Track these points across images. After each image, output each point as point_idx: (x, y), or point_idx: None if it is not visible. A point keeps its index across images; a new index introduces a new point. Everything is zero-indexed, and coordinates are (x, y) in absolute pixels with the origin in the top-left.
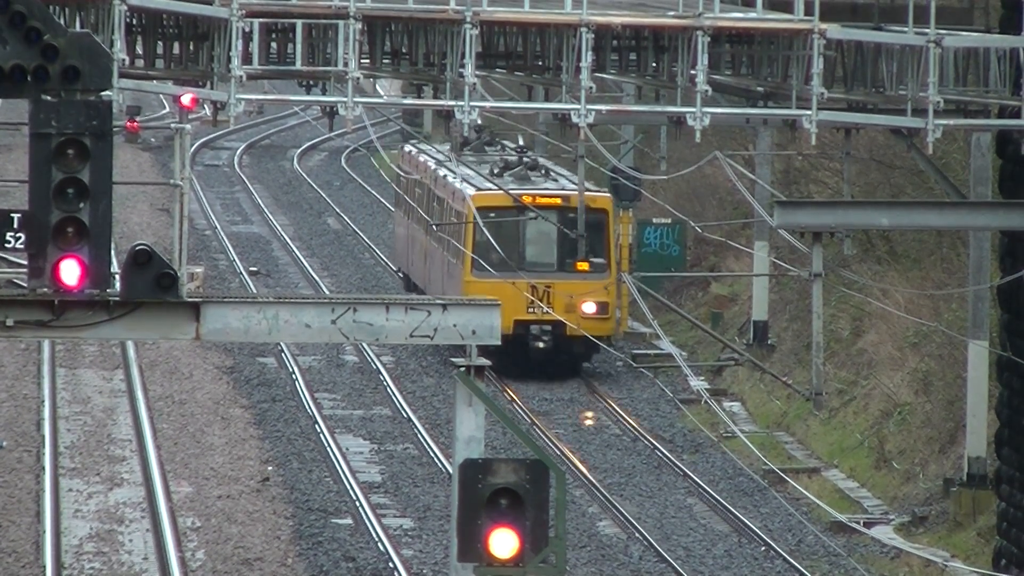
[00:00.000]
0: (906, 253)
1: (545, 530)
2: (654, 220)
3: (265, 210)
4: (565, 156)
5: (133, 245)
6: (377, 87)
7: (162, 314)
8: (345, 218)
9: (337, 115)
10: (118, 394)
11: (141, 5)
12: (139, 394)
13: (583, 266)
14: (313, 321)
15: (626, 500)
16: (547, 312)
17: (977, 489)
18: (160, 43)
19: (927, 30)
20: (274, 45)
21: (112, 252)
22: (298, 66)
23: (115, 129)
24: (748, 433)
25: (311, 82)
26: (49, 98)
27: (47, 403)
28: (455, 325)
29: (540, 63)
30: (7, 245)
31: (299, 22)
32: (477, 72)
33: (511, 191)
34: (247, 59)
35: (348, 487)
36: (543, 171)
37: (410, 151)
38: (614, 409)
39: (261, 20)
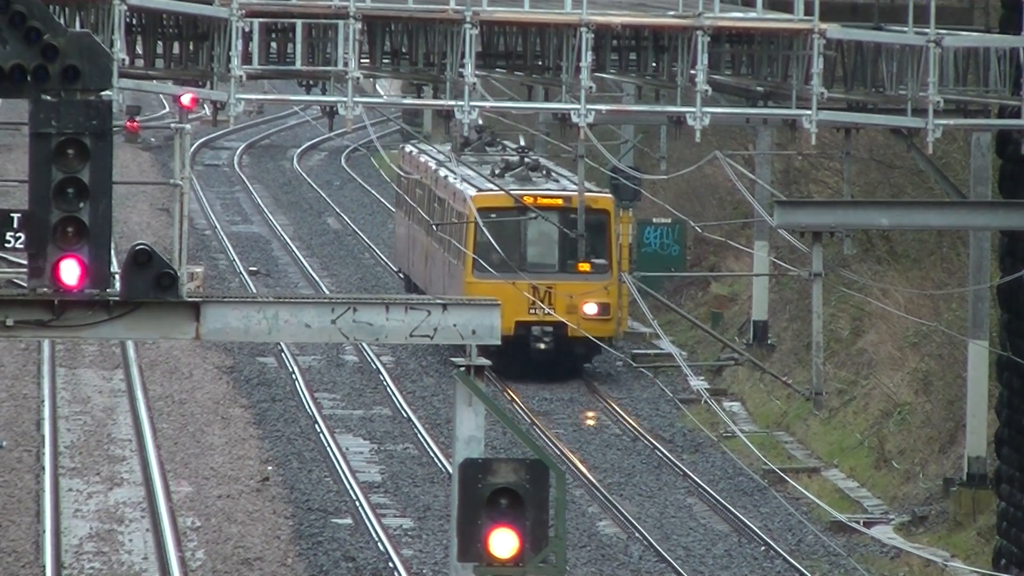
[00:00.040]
0: (906, 253)
1: (545, 530)
2: (654, 220)
3: (265, 210)
4: (565, 156)
5: (133, 245)
6: (377, 87)
7: (162, 314)
8: (345, 218)
9: (337, 115)
10: (118, 394)
11: (141, 5)
12: (139, 394)
13: (584, 267)
14: (313, 321)
15: (626, 500)
16: (548, 313)
17: (977, 489)
18: (160, 43)
19: (927, 30)
20: (274, 45)
21: (112, 252)
22: (298, 66)
23: (115, 129)
24: (748, 433)
25: (311, 82)
26: (49, 98)
27: (47, 403)
28: (455, 325)
29: (540, 63)
30: (7, 245)
31: (299, 22)
32: (477, 72)
33: (512, 192)
34: (247, 59)
35: (348, 487)
36: (544, 172)
37: (411, 151)
38: (614, 409)
39: (261, 20)
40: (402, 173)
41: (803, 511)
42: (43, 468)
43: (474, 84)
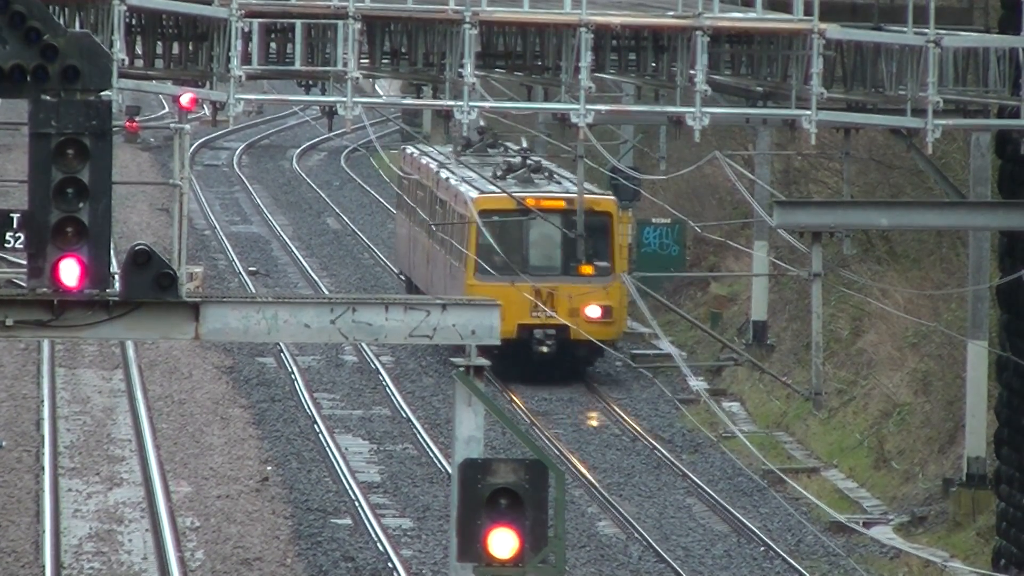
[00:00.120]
0: (906, 253)
1: (544, 530)
2: (653, 220)
3: (264, 210)
4: (565, 156)
5: (132, 245)
6: (376, 87)
7: (162, 314)
8: (344, 218)
9: (336, 115)
10: (118, 394)
11: (141, 5)
12: (138, 394)
13: (587, 269)
14: (312, 321)
15: (625, 500)
16: (551, 316)
17: (976, 489)
18: (160, 43)
19: (926, 30)
20: (273, 45)
21: (112, 252)
22: (297, 66)
23: (115, 129)
24: (747, 433)
25: (310, 82)
26: (49, 98)
27: (47, 403)
28: (454, 325)
29: (540, 63)
30: (7, 245)
31: (298, 22)
32: (476, 72)
33: (514, 194)
34: (246, 59)
35: (347, 487)
36: (546, 174)
37: (412, 152)
38: (613, 409)
39: (260, 20)
40: (403, 174)
41: (802, 511)
42: (43, 468)
43: (473, 84)
